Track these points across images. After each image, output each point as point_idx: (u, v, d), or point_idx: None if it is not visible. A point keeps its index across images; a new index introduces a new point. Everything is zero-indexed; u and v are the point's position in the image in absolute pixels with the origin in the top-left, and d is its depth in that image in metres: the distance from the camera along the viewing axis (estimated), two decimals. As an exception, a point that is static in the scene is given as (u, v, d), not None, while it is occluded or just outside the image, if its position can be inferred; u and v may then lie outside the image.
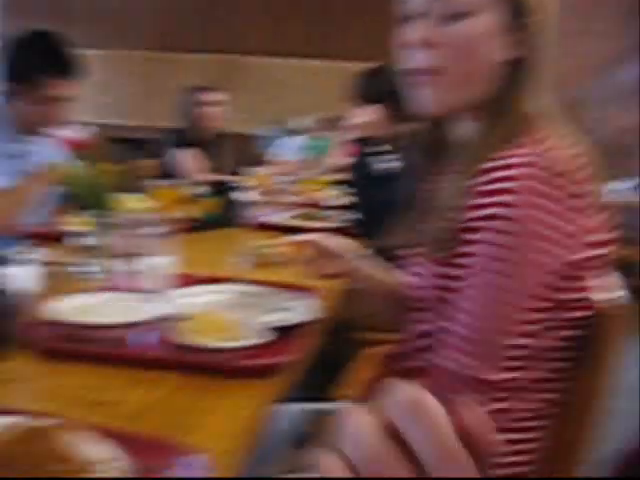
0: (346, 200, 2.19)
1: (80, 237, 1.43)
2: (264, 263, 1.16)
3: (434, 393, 0.30)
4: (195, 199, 2.05)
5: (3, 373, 0.99)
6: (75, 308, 1.14)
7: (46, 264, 1.21)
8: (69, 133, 1.73)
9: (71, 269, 1.38)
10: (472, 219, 0.84)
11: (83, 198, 1.47)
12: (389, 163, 1.86)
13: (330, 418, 1.09)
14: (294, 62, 4.90)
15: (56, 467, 0.59)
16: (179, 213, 1.84)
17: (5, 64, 1.77)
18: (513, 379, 0.84)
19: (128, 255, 1.24)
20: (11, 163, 1.73)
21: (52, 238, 1.56)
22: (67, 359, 1.03)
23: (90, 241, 1.39)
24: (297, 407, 1.24)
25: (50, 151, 1.77)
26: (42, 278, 1.15)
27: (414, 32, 0.88)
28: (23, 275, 1.10)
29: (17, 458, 0.59)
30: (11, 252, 1.12)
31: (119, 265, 1.28)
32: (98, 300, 1.19)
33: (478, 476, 0.29)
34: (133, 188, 1.80)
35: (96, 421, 0.80)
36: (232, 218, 1.98)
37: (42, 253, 1.28)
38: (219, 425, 0.85)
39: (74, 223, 1.65)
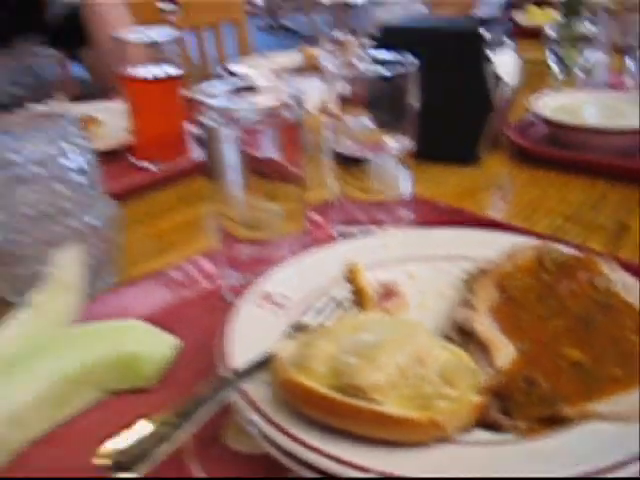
0: None
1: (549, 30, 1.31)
2: None
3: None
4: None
5: (476, 178, 0.91)
6: (556, 108, 1.00)
7: (524, 59, 1.05)
8: None
9: (551, 65, 1.26)
10: None
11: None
12: None
13: None
14: None
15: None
16: None
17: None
18: None
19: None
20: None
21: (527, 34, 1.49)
22: (549, 165, 0.91)
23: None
24: None
25: None
26: (519, 72, 1.01)
27: None
28: (504, 64, 0.97)
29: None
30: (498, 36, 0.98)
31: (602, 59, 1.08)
32: (578, 100, 1.04)
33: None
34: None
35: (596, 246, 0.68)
36: None
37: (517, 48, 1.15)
38: None
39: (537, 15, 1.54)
